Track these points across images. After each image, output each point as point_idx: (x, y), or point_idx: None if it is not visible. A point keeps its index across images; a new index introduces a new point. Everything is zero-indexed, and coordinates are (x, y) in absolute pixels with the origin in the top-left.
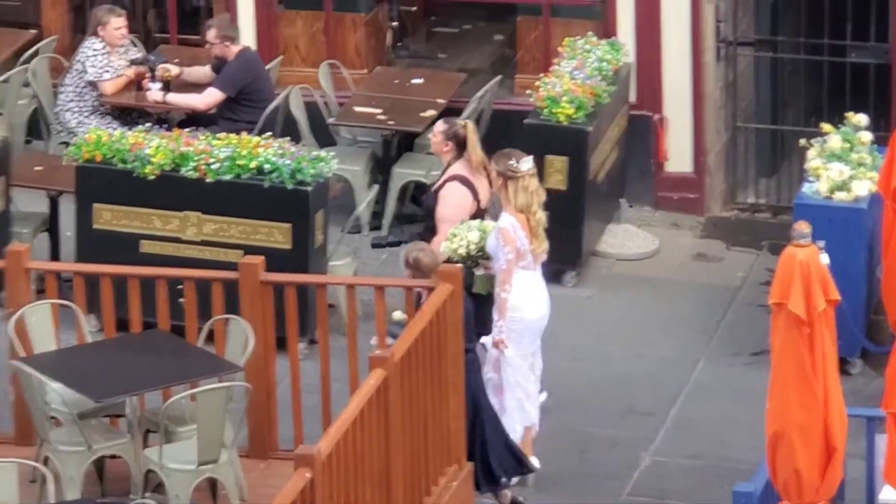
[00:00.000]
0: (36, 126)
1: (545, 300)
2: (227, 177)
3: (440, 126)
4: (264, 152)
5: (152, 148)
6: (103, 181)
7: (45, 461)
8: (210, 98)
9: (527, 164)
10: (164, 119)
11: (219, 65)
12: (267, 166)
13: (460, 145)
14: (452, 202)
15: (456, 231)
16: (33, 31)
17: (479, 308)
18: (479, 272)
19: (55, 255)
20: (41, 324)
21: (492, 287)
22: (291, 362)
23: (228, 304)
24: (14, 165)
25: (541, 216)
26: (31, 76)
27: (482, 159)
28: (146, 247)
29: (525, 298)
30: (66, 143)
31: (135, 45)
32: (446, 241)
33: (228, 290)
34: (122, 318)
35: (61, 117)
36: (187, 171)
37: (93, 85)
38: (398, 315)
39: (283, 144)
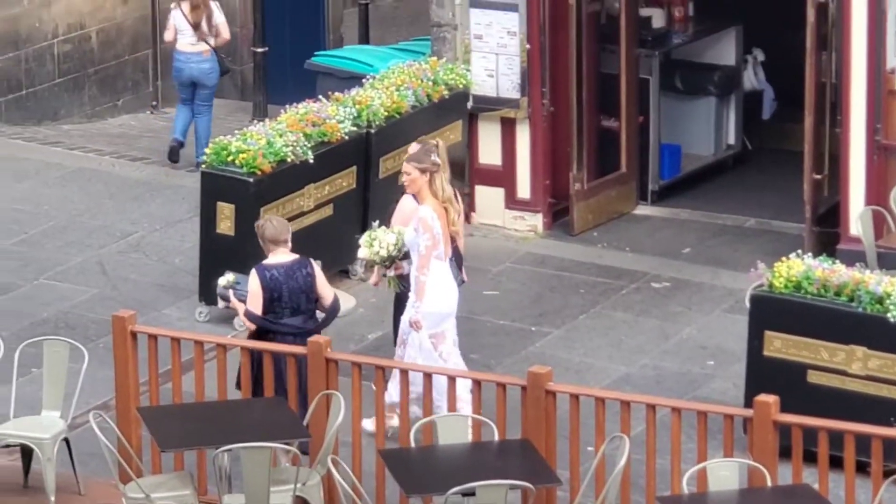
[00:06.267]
0: None
1: (452, 291)
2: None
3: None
4: None
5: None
6: (777, 310)
7: None
8: None
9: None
10: None
11: None
12: None
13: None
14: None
15: (374, 235)
16: None
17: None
18: (390, 273)
19: None
20: None
21: (402, 286)
22: None
23: None
24: None
25: (458, 205)
26: None
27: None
28: (812, 377)
29: (433, 287)
30: None
31: None
32: (364, 247)
33: None
34: None
35: None
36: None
37: None
38: (224, 280)
39: None
